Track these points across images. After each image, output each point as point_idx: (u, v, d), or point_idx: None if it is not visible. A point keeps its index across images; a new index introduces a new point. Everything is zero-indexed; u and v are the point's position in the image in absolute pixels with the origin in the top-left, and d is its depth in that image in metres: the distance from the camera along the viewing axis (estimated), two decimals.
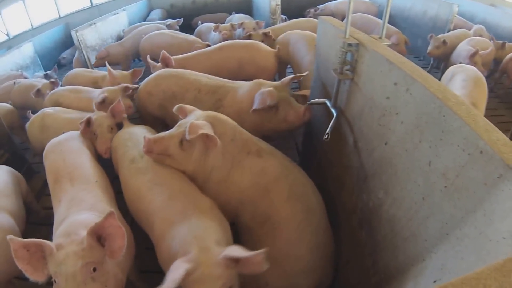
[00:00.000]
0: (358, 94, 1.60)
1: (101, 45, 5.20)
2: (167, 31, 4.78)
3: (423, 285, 1.02)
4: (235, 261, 1.23)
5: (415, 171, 1.13)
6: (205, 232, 1.39)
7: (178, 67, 2.92)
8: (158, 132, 2.00)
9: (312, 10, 6.32)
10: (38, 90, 3.46)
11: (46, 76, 4.53)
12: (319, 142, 2.18)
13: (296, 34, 3.47)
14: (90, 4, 7.36)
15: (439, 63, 4.80)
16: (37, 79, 4.22)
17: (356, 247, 1.61)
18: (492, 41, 4.20)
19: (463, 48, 3.87)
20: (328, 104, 1.86)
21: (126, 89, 2.75)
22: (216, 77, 2.60)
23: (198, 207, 1.55)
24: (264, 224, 1.69)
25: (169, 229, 1.49)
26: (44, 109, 2.78)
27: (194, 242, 1.32)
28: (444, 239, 0.97)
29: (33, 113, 2.84)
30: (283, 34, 3.66)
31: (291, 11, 6.18)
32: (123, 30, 5.97)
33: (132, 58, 5.25)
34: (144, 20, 6.75)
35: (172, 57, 3.11)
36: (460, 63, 3.55)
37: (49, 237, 1.49)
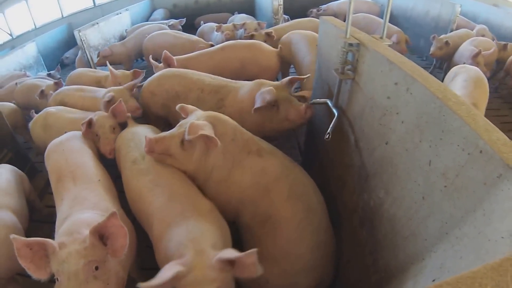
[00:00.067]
0: (359, 94, 1.60)
1: (104, 45, 5.22)
2: (169, 31, 4.78)
3: (423, 284, 1.02)
4: (230, 264, 1.23)
5: (415, 170, 1.14)
6: (202, 235, 1.38)
7: (180, 67, 2.92)
8: (162, 131, 2.00)
9: (314, 10, 6.32)
10: (42, 92, 3.46)
11: (49, 76, 4.55)
12: (321, 142, 2.18)
13: (297, 34, 3.46)
14: (93, 4, 7.38)
15: (441, 63, 4.78)
16: (40, 79, 4.21)
17: (357, 246, 1.62)
18: (494, 41, 4.18)
19: (466, 48, 3.84)
20: (330, 104, 1.86)
21: (132, 87, 2.74)
22: (219, 77, 2.60)
23: (197, 210, 1.54)
24: (264, 223, 1.69)
25: (167, 230, 1.48)
26: (47, 108, 2.79)
27: (190, 245, 1.31)
28: (444, 238, 0.98)
29: (37, 112, 2.85)
30: (286, 34, 3.66)
31: (294, 11, 6.16)
32: (126, 30, 6.00)
33: (135, 58, 5.26)
34: (147, 20, 6.75)
35: (174, 57, 3.12)
36: (464, 63, 3.53)
37: (51, 235, 1.50)
